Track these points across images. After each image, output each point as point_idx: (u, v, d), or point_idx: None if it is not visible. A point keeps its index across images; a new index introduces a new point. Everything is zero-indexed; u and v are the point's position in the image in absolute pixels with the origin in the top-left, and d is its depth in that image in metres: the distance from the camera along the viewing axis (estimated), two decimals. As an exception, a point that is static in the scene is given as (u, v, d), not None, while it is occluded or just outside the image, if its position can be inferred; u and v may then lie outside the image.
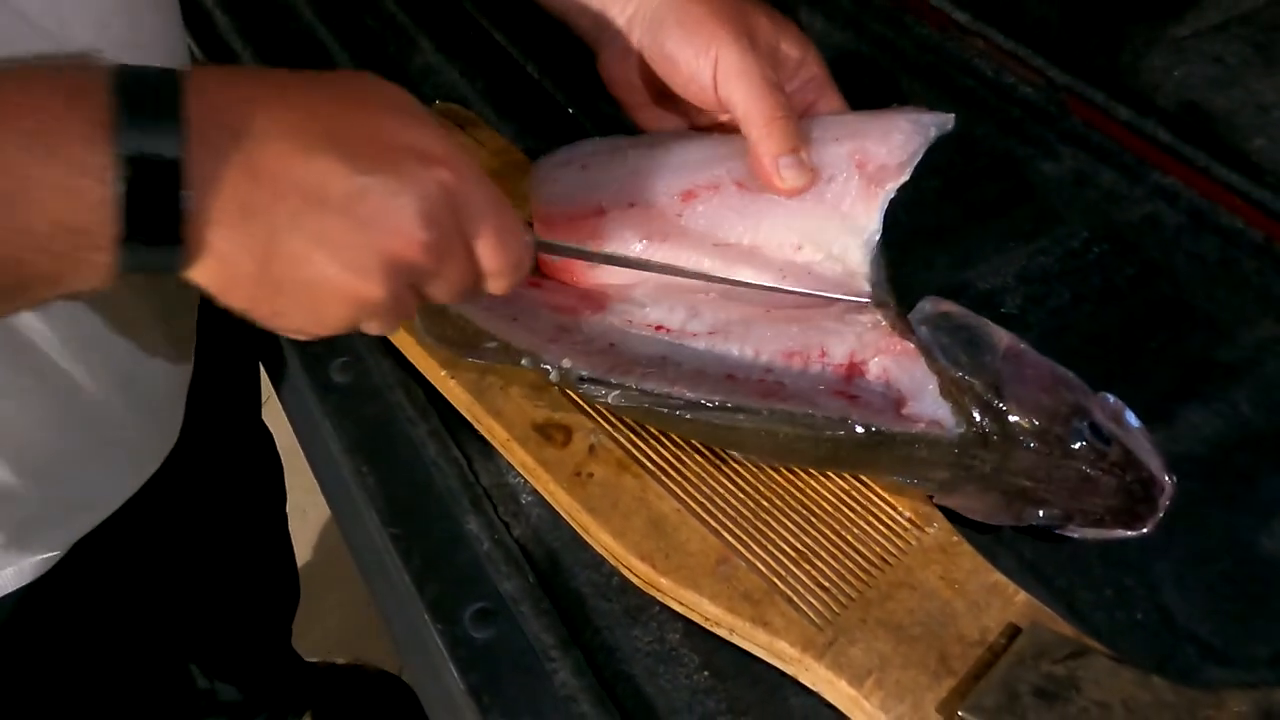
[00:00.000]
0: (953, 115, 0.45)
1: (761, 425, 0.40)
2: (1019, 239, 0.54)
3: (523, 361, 0.43)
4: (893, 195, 0.44)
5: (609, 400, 0.41)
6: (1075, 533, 0.40)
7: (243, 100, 0.31)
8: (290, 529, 0.92)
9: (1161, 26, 0.67)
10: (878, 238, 0.44)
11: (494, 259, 0.35)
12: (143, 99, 0.29)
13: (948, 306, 0.42)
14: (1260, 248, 0.53)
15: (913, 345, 0.41)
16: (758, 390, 0.41)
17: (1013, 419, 0.39)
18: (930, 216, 0.56)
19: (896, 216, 0.56)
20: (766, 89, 0.43)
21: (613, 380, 0.41)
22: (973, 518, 0.40)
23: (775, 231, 0.45)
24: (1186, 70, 0.64)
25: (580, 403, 0.44)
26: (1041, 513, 0.39)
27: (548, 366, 0.42)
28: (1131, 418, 0.40)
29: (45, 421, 0.44)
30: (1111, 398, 0.41)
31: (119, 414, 0.48)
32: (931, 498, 0.41)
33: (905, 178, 0.44)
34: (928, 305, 0.42)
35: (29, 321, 0.41)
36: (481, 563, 0.40)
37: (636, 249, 0.46)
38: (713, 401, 0.40)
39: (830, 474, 0.41)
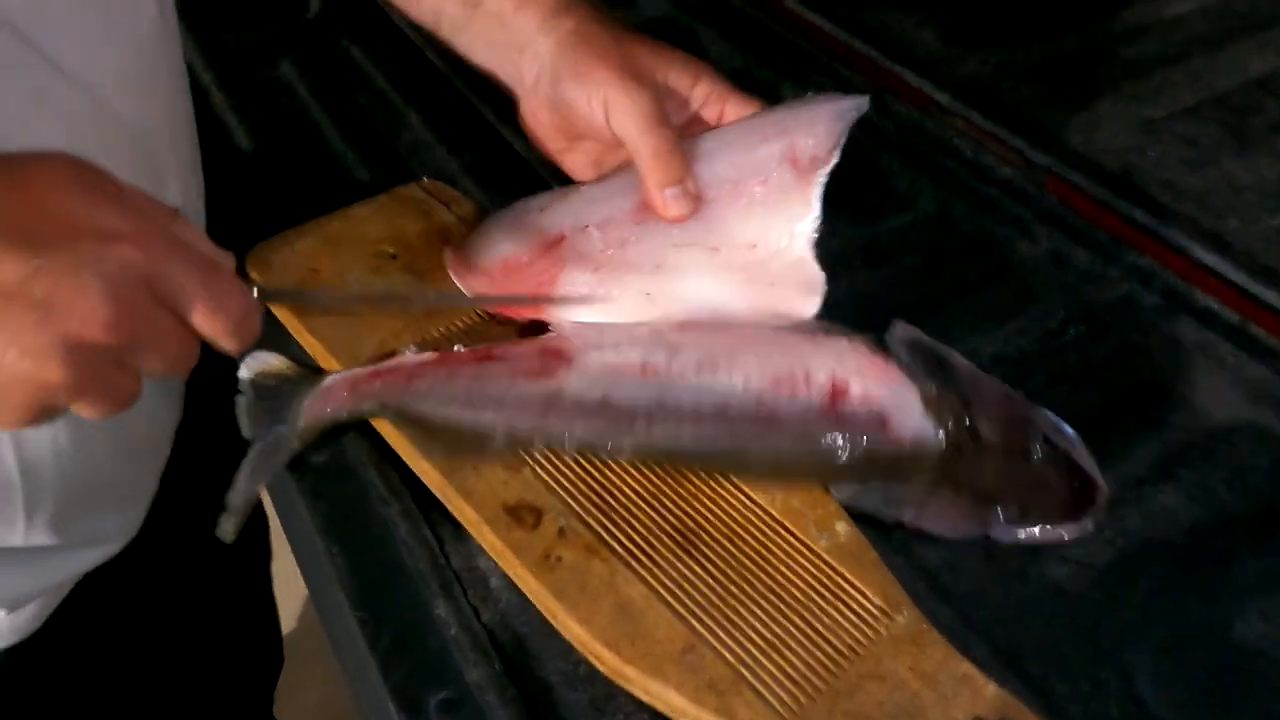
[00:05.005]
0: (868, 96, 0.48)
1: (768, 463, 0.43)
2: (996, 318, 0.55)
3: (530, 445, 0.43)
4: (825, 180, 0.47)
5: (625, 454, 0.43)
6: (1023, 533, 0.42)
7: None
8: (278, 596, 0.91)
9: (1136, 108, 0.68)
10: (818, 223, 0.47)
11: (211, 324, 0.35)
12: None
13: (916, 332, 0.45)
14: (1235, 329, 0.54)
15: (893, 367, 0.43)
16: (753, 421, 0.43)
17: (983, 433, 0.42)
18: (908, 294, 0.57)
19: (876, 295, 0.57)
20: (651, 124, 0.47)
21: (621, 439, 0.43)
22: (943, 534, 0.42)
23: (728, 233, 0.48)
24: (1161, 150, 0.65)
25: (551, 484, 0.44)
26: (1002, 513, 0.42)
27: (560, 438, 0.43)
28: (1067, 428, 0.43)
29: (57, 453, 0.45)
30: (1048, 413, 0.44)
31: (111, 453, 0.49)
32: (903, 525, 0.43)
33: (834, 161, 0.47)
34: (899, 330, 0.45)
35: None
36: (449, 649, 0.40)
37: (598, 259, 0.49)
38: (722, 443, 0.43)
39: (801, 560, 0.41)
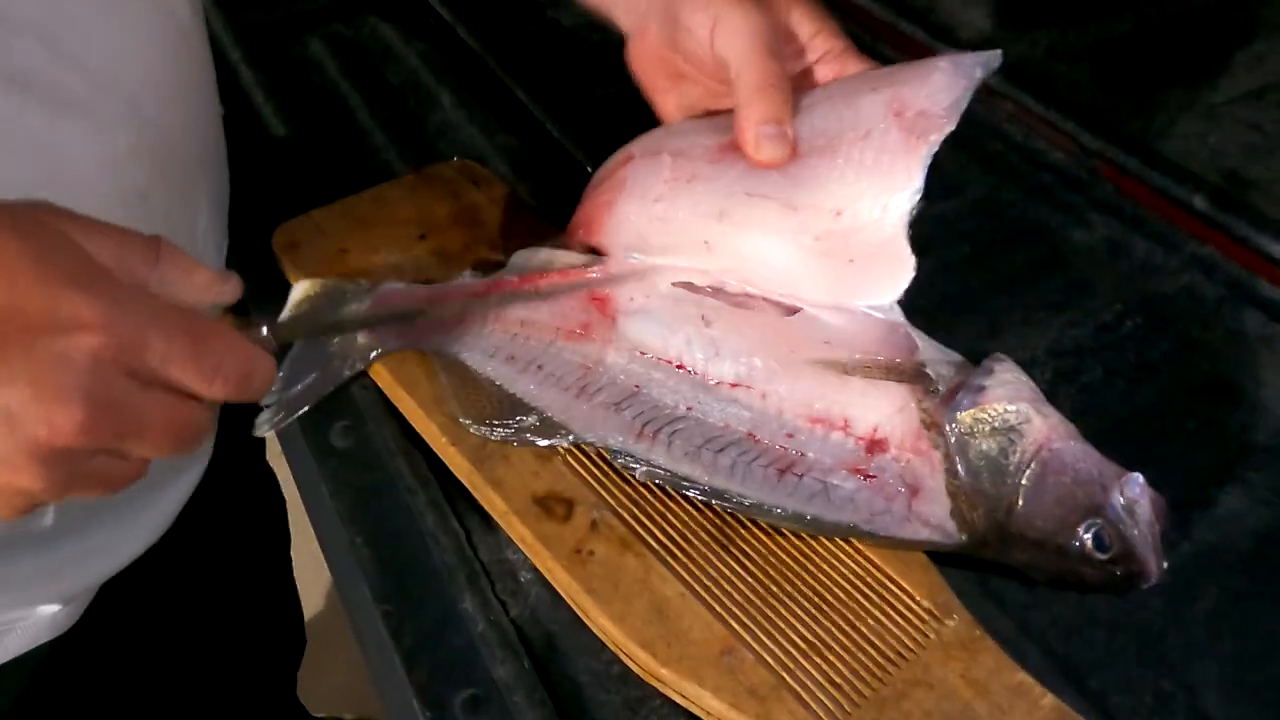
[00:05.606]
0: (999, 51, 0.42)
1: (774, 520, 0.40)
2: (1049, 310, 0.52)
3: (557, 436, 0.42)
4: (936, 148, 0.41)
5: (637, 475, 0.41)
6: None
7: None
8: (304, 579, 0.91)
9: (1196, 92, 0.65)
10: (919, 198, 0.41)
11: (213, 389, 0.32)
12: None
13: (993, 399, 0.40)
14: (1303, 323, 0.51)
15: (938, 454, 0.40)
16: (777, 460, 0.40)
17: (1017, 531, 0.38)
18: (957, 284, 0.54)
19: (921, 284, 0.54)
20: (762, 53, 0.42)
21: (643, 456, 0.41)
22: None
23: (812, 193, 0.42)
24: (1222, 137, 0.62)
25: (584, 474, 0.42)
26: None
27: (584, 439, 0.42)
28: (1145, 509, 0.38)
29: None
30: (1139, 482, 0.39)
31: None
32: None
33: (950, 127, 0.41)
34: (964, 403, 0.40)
35: None
36: (475, 645, 0.38)
37: (659, 190, 0.45)
38: (732, 498, 0.40)
39: (844, 558, 0.39)
